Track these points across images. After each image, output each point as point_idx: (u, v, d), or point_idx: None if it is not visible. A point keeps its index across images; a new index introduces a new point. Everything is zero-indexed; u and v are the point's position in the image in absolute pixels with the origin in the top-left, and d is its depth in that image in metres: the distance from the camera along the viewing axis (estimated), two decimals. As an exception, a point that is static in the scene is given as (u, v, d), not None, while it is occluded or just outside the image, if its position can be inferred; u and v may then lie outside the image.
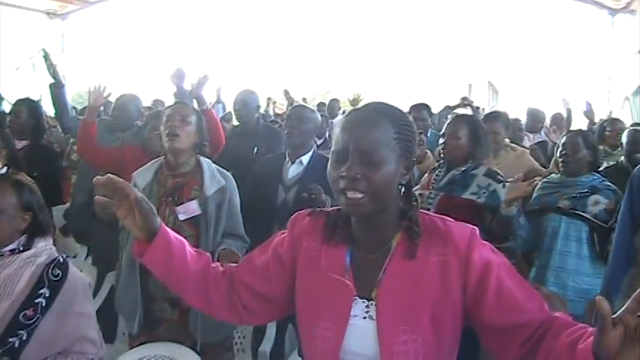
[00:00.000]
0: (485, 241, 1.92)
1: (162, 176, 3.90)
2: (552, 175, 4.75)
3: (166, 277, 2.03)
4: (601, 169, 5.80)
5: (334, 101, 12.76)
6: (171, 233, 2.01)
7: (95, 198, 1.92)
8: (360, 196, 1.79)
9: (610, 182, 4.52)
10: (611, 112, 14.54)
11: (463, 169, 4.27)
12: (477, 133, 4.34)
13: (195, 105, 5.20)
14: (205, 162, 3.95)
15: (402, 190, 1.94)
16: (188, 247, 2.05)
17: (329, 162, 1.87)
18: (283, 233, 2.09)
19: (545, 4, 16.93)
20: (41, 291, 2.75)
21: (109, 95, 5.62)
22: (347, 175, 1.78)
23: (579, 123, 9.04)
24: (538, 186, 4.65)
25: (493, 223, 4.06)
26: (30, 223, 2.94)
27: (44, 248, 2.92)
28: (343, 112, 12.16)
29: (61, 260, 2.90)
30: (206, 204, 3.80)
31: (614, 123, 7.73)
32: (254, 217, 4.25)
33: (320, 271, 1.93)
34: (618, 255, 3.63)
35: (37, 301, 2.73)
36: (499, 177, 4.21)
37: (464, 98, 7.91)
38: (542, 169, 5.80)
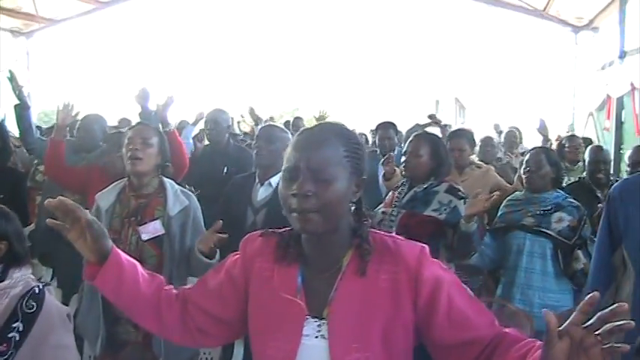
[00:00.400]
0: (434, 259, 1.95)
1: (125, 197, 3.87)
2: (517, 192, 4.79)
3: (118, 300, 2.03)
4: (563, 185, 5.89)
5: (298, 119, 12.77)
6: (123, 256, 2.01)
7: (47, 221, 1.90)
8: (312, 216, 1.80)
9: (573, 199, 4.58)
10: (570, 128, 14.72)
11: (425, 186, 4.31)
12: (438, 150, 4.39)
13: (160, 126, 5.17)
14: (168, 182, 3.93)
15: (353, 208, 1.95)
16: (140, 270, 2.05)
17: (280, 180, 1.89)
18: (236, 254, 2.09)
19: (511, 21, 17.08)
20: (15, 325, 2.66)
21: (77, 114, 5.57)
22: (298, 192, 1.79)
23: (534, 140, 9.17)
24: (503, 204, 4.70)
25: (454, 239, 4.09)
26: (5, 253, 2.85)
27: (20, 279, 2.82)
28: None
29: (37, 291, 2.78)
30: (169, 224, 3.78)
31: (572, 139, 7.85)
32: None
33: (272, 291, 1.93)
34: (597, 273, 3.66)
35: (10, 335, 2.63)
36: (460, 193, 4.25)
37: (431, 116, 7.94)
38: (508, 185, 5.85)
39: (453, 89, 54.36)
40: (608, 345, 1.44)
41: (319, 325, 1.87)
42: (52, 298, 2.88)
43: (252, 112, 9.42)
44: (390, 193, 4.56)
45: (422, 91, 54.82)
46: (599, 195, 5.42)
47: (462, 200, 4.18)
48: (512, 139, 9.58)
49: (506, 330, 1.85)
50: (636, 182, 3.49)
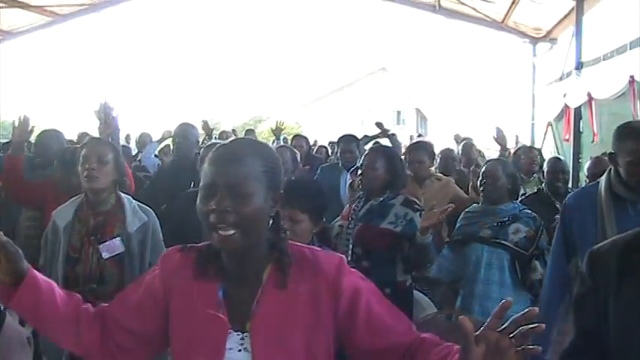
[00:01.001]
0: (352, 269, 2.02)
1: (83, 214, 3.83)
2: (474, 204, 4.82)
3: (37, 322, 2.00)
4: (521, 196, 5.95)
5: (250, 132, 12.77)
6: (39, 276, 1.98)
7: None
8: (231, 232, 1.81)
9: (531, 210, 4.62)
10: (517, 138, 14.92)
11: (381, 199, 4.37)
12: (393, 163, 4.45)
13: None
14: (126, 199, 3.90)
15: (271, 222, 1.97)
16: (57, 290, 2.02)
17: (198, 197, 1.88)
18: (155, 270, 2.07)
19: (471, 33, 17.32)
20: None
21: (32, 130, 5.49)
22: (217, 208, 1.80)
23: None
24: (460, 216, 4.72)
25: (410, 251, 4.13)
26: None
27: None
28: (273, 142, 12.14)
29: None
30: (129, 241, 3.76)
31: (528, 150, 7.96)
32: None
33: (193, 306, 1.93)
34: (552, 284, 3.70)
35: None
36: (416, 206, 4.32)
37: (379, 125, 7.97)
38: (467, 196, 5.89)
39: (414, 100, 54.75)
40: (521, 347, 1.55)
41: (242, 339, 1.90)
42: (12, 320, 2.79)
43: (205, 124, 9.38)
44: (347, 206, 4.60)
45: (384, 103, 55.20)
46: (557, 205, 5.46)
47: (418, 212, 4.24)
48: (469, 150, 9.64)
49: (424, 335, 1.93)
50: (591, 192, 3.53)
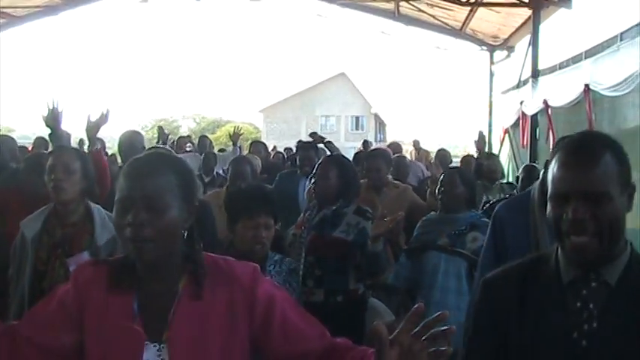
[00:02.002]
0: (266, 278, 2.10)
1: (51, 226, 3.71)
2: (432, 212, 4.82)
3: None
4: (490, 203, 5.97)
5: (204, 138, 12.71)
6: None
7: None
8: (147, 244, 1.81)
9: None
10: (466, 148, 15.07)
11: (334, 208, 4.37)
12: (346, 173, 4.47)
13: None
14: (96, 209, 3.78)
15: (186, 234, 1.97)
16: None
17: (114, 210, 1.88)
18: (67, 284, 2.02)
19: (429, 40, 17.41)
20: None
21: None
22: (133, 222, 1.81)
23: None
24: (418, 224, 4.73)
25: (362, 260, 4.14)
26: None
27: None
28: (220, 150, 12.07)
29: None
30: (98, 254, 3.61)
31: (490, 158, 8.02)
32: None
33: (108, 319, 1.90)
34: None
35: None
36: (368, 214, 4.32)
37: (313, 134, 7.98)
38: (424, 204, 5.89)
39: (373, 105, 55.02)
40: (433, 349, 1.60)
41: (159, 350, 1.89)
42: None
43: (160, 130, 9.31)
44: (302, 215, 4.58)
45: (342, 108, 55.38)
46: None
47: (370, 221, 4.27)
48: (445, 159, 9.69)
49: (338, 340, 1.98)
50: (522, 201, 3.50)
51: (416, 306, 1.67)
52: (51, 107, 4.86)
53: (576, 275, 1.89)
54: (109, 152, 11.30)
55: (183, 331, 1.87)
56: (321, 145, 7.66)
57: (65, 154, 3.83)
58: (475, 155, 7.87)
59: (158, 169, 1.89)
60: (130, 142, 5.96)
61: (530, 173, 6.09)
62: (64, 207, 3.71)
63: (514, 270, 2.07)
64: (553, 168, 1.88)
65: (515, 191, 6.28)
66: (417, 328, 1.61)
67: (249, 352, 1.97)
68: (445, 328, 1.60)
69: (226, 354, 1.91)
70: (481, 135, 6.83)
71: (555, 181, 1.86)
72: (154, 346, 1.88)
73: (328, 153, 6.94)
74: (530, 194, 3.47)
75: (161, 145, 8.44)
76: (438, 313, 1.61)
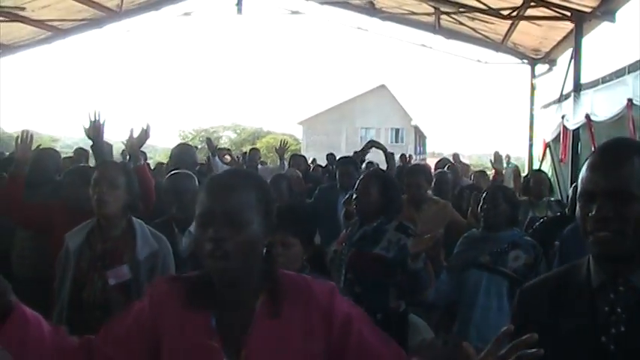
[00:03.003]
0: (344, 297, 2.05)
1: (93, 239, 3.75)
2: (473, 230, 4.79)
3: (22, 356, 1.94)
4: (542, 219, 5.90)
5: (255, 151, 12.80)
6: (28, 310, 1.95)
7: None
8: (227, 260, 1.82)
9: (549, 234, 4.59)
10: (509, 158, 14.89)
11: (375, 224, 4.33)
12: (387, 189, 4.42)
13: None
14: (138, 224, 3.82)
15: (265, 251, 1.98)
16: (44, 323, 1.98)
17: (194, 225, 1.90)
18: (143, 301, 2.04)
19: (470, 53, 17.34)
20: None
21: (39, 147, 5.39)
22: (214, 237, 1.82)
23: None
24: (459, 241, 4.70)
25: (402, 278, 4.10)
26: None
27: None
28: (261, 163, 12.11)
29: None
30: (137, 268, 3.67)
31: (537, 174, 7.95)
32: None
33: (185, 336, 1.91)
34: None
35: None
36: (409, 231, 4.26)
37: (371, 141, 7.96)
38: (464, 220, 5.86)
39: (413, 118, 54.88)
40: None
41: None
42: None
43: (209, 142, 9.33)
44: (344, 231, 4.55)
45: (382, 120, 55.31)
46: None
47: (412, 238, 4.17)
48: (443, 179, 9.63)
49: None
50: None
51: (504, 328, 1.65)
52: (92, 119, 4.92)
53: (605, 280, 1.90)
54: (151, 162, 11.40)
55: (260, 350, 1.87)
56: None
57: (110, 168, 3.88)
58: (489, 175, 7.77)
59: (239, 184, 1.91)
60: (181, 155, 6.01)
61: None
62: (106, 221, 3.75)
63: (549, 278, 2.13)
64: (582, 169, 1.91)
65: (566, 210, 6.16)
66: (504, 350, 1.60)
67: None
68: (534, 350, 1.58)
69: None
70: (497, 155, 6.73)
71: (583, 180, 1.90)
72: None
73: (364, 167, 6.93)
74: None
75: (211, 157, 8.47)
76: (528, 335, 1.60)
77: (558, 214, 6.22)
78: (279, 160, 9.54)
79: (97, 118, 4.94)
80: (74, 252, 3.68)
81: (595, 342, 1.86)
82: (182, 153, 6.12)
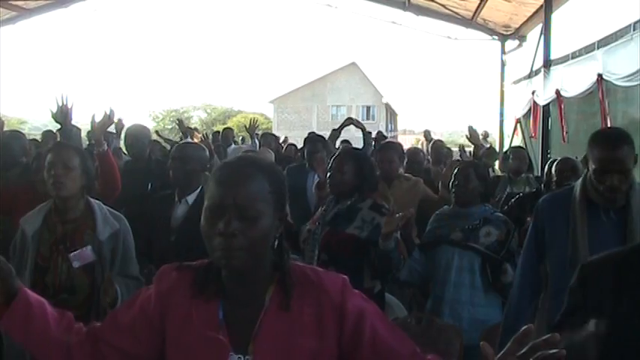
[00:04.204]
0: (356, 290, 1.97)
1: (51, 222, 3.72)
2: (445, 207, 4.78)
3: (27, 341, 1.94)
4: (518, 195, 5.91)
5: (228, 130, 12.72)
6: (32, 294, 1.93)
7: None
8: (238, 253, 1.75)
9: (525, 209, 4.60)
10: (486, 133, 14.93)
11: (349, 202, 4.28)
12: (362, 167, 4.36)
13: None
14: (96, 204, 3.79)
15: (276, 242, 1.92)
16: (49, 309, 1.96)
17: (202, 217, 1.82)
18: (149, 288, 2.00)
19: (441, 31, 17.35)
20: None
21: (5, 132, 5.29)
22: (225, 231, 1.74)
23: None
24: (431, 219, 4.68)
25: (374, 258, 4.06)
26: None
27: None
28: (242, 140, 12.06)
29: None
30: (100, 249, 3.65)
31: (517, 151, 7.98)
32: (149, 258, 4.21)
33: (192, 327, 1.87)
34: (522, 285, 3.67)
35: None
36: (384, 210, 4.19)
37: (349, 119, 7.89)
38: (436, 197, 5.84)
39: (384, 95, 54.98)
40: None
41: None
42: None
43: (180, 124, 9.26)
44: (319, 210, 4.51)
45: (353, 98, 55.32)
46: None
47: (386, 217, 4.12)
48: (439, 150, 9.62)
49: (430, 356, 1.90)
50: (565, 196, 3.50)
51: (524, 327, 1.59)
52: (60, 103, 4.85)
53: None
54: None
55: (269, 344, 1.83)
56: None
57: (64, 150, 3.82)
58: (471, 151, 7.75)
59: (251, 175, 1.83)
60: (135, 135, 5.96)
61: (564, 164, 5.87)
62: (63, 203, 3.71)
63: (611, 257, 2.06)
64: None
65: (541, 185, 6.16)
66: (524, 350, 1.54)
67: None
68: (556, 351, 1.51)
69: None
70: (472, 130, 6.71)
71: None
72: (239, 357, 1.84)
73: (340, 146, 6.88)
74: (572, 190, 3.46)
75: (184, 139, 8.40)
76: (549, 335, 1.53)
77: (534, 190, 6.22)
78: (250, 139, 9.50)
79: (65, 102, 4.86)
80: (33, 236, 3.66)
81: None
82: (137, 132, 6.08)
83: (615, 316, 1.89)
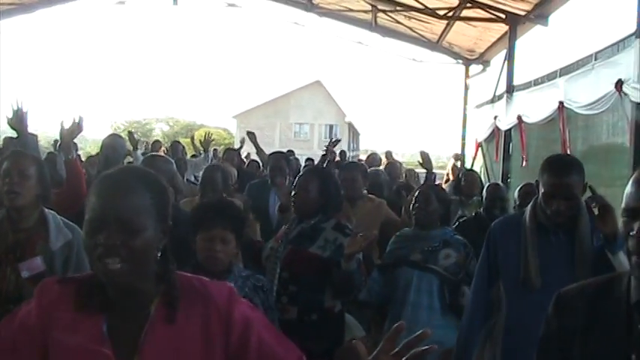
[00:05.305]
0: (242, 299, 2.01)
1: (3, 230, 3.62)
2: (405, 228, 4.81)
3: None
4: (460, 220, 5.98)
5: (176, 143, 12.69)
6: None
7: None
8: (119, 266, 1.74)
9: (466, 233, 4.66)
10: (458, 156, 15.07)
11: (312, 222, 4.26)
12: (327, 186, 4.35)
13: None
14: (50, 214, 3.69)
15: (159, 254, 1.89)
16: None
17: (83, 230, 1.80)
18: (29, 303, 1.92)
19: (406, 53, 17.48)
20: None
21: None
22: (105, 243, 1.73)
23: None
24: (392, 240, 4.71)
25: (336, 278, 4.05)
26: None
27: None
28: (193, 156, 12.01)
29: None
30: (52, 259, 3.55)
31: (469, 174, 8.07)
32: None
33: (75, 341, 1.81)
34: (475, 308, 3.73)
35: None
36: (347, 231, 4.21)
37: (334, 141, 7.91)
38: (399, 219, 5.87)
39: (347, 114, 55.18)
40: None
41: None
42: None
43: (130, 136, 9.21)
44: (283, 228, 4.49)
45: (316, 116, 55.44)
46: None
47: (349, 237, 4.13)
48: (396, 171, 9.69)
49: None
50: (517, 219, 3.59)
51: (396, 325, 1.65)
52: (15, 108, 4.72)
53: None
54: (81, 153, 11.11)
55: (154, 356, 1.80)
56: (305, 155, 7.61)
57: (21, 159, 3.73)
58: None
59: (133, 187, 1.81)
60: (113, 145, 5.91)
61: (494, 192, 6.05)
62: (17, 212, 3.62)
63: (588, 287, 2.06)
64: (628, 184, 1.86)
65: (481, 210, 6.24)
66: (398, 348, 1.59)
67: None
68: (427, 347, 1.58)
69: None
70: (424, 154, 6.78)
71: (627, 196, 1.86)
72: None
73: (304, 165, 6.89)
74: (524, 214, 3.53)
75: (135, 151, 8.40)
76: (420, 331, 1.60)
77: (473, 214, 6.31)
78: (203, 154, 9.53)
79: (20, 107, 4.76)
80: None
81: (624, 358, 1.83)
82: (114, 143, 6.02)
83: (585, 347, 1.91)
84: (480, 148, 15.57)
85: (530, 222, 3.48)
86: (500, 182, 9.25)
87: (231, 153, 10.43)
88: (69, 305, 1.85)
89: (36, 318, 1.86)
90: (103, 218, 1.75)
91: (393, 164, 10.09)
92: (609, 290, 1.97)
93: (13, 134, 4.95)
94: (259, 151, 9.05)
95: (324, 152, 7.76)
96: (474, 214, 6.29)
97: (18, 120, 4.71)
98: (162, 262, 1.90)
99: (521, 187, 5.91)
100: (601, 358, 1.88)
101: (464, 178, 7.90)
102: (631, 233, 1.79)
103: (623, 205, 1.86)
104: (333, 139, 8.13)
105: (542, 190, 3.34)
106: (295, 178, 4.57)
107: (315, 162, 9.40)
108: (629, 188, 1.85)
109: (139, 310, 1.85)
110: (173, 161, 4.89)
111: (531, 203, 3.53)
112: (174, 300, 1.86)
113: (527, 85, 11.88)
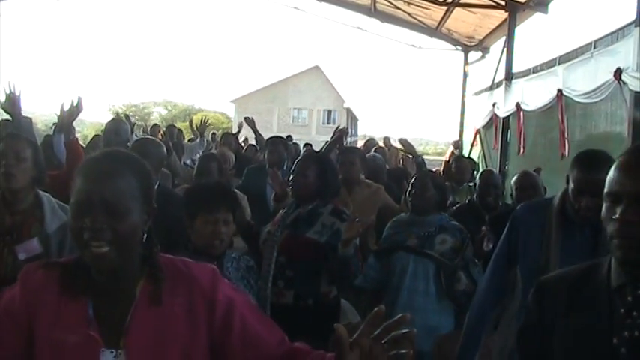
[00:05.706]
0: (226, 280, 2.03)
1: None
2: (402, 214, 4.82)
3: None
4: (453, 206, 5.98)
5: (172, 127, 12.70)
6: None
7: None
8: (106, 249, 1.75)
9: (459, 220, 4.66)
10: (457, 143, 15.07)
11: (310, 207, 4.27)
12: (325, 171, 4.36)
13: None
14: (45, 197, 3.70)
15: (144, 236, 1.91)
16: None
17: (69, 214, 1.81)
18: (13, 288, 1.92)
19: (405, 39, 17.45)
20: None
21: None
22: (91, 226, 1.74)
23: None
24: (388, 225, 4.72)
25: (333, 263, 4.07)
26: None
27: None
28: (190, 140, 12.01)
29: None
30: (48, 242, 3.56)
31: (459, 160, 8.08)
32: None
33: (62, 325, 1.82)
34: (488, 290, 3.68)
35: None
36: (344, 216, 4.23)
37: (341, 130, 7.88)
38: (397, 205, 5.87)
39: (346, 100, 55.10)
40: (394, 352, 1.59)
41: (116, 356, 1.83)
42: None
43: (127, 120, 9.22)
44: (280, 212, 4.50)
45: (315, 101, 55.36)
46: (486, 218, 5.46)
47: (346, 223, 4.14)
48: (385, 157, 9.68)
49: (297, 345, 1.94)
50: (543, 208, 3.52)
51: (377, 308, 1.66)
52: (8, 92, 4.71)
53: (625, 281, 1.87)
54: (79, 137, 11.07)
55: (141, 337, 1.82)
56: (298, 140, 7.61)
57: (16, 141, 3.73)
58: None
59: (118, 170, 1.82)
60: (116, 130, 5.90)
61: (487, 180, 6.00)
62: (13, 195, 3.62)
63: (569, 273, 2.08)
64: (611, 169, 1.89)
65: (474, 197, 6.21)
66: (378, 331, 1.60)
67: (209, 357, 1.92)
68: (407, 330, 1.59)
69: (186, 358, 1.86)
70: (402, 140, 6.79)
71: (610, 180, 1.88)
72: (111, 352, 1.82)
73: (303, 150, 6.88)
74: (550, 202, 3.49)
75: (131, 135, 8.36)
76: (399, 315, 1.61)
77: (467, 201, 6.29)
78: (199, 138, 9.60)
79: (13, 91, 4.74)
80: None
81: (606, 342, 1.85)
82: (117, 128, 6.01)
83: (566, 332, 1.93)
84: (478, 135, 15.57)
85: (557, 216, 3.43)
86: (496, 169, 9.27)
87: (229, 137, 10.41)
88: (54, 289, 1.86)
89: (20, 303, 1.87)
90: (88, 202, 1.76)
91: (382, 150, 10.05)
92: (590, 276, 1.99)
93: (8, 117, 4.92)
94: (258, 136, 9.07)
95: (333, 139, 7.71)
96: (467, 201, 6.28)
97: (11, 103, 4.72)
98: (147, 245, 1.92)
99: (517, 180, 5.86)
100: (583, 342, 1.90)
101: (454, 164, 7.93)
102: (613, 217, 1.81)
103: (606, 189, 1.88)
104: (341, 128, 8.03)
105: (571, 186, 3.26)
106: (294, 163, 4.57)
107: (314, 148, 9.35)
108: (611, 174, 1.88)
109: (124, 292, 1.87)
110: (163, 144, 4.86)
111: (560, 194, 3.47)
112: (159, 282, 1.88)
113: (526, 73, 11.88)
